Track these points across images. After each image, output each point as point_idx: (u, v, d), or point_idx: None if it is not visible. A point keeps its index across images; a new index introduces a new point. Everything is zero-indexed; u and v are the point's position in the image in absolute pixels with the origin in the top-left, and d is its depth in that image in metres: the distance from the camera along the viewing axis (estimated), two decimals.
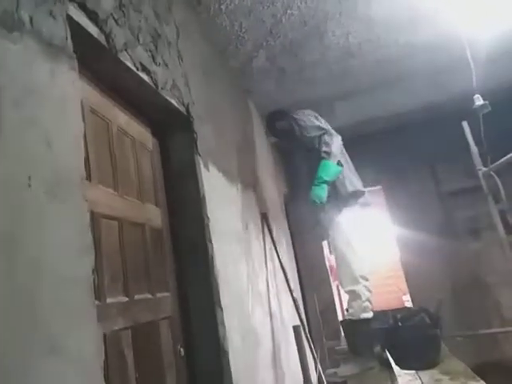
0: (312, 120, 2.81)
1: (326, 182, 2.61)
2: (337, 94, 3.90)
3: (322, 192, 2.59)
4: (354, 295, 2.67)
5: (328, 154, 2.62)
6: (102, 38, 1.31)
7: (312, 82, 3.58)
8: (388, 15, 2.83)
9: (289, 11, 2.54)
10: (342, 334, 2.88)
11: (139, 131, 1.79)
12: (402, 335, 2.20)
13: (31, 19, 1.00)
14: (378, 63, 3.47)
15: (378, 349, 2.35)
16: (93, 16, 1.27)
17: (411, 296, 4.68)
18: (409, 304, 4.74)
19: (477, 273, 4.36)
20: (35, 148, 0.92)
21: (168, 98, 1.75)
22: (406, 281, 4.73)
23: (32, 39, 0.99)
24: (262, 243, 2.94)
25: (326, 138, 2.67)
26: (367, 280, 2.69)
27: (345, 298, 3.19)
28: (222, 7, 2.37)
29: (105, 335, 1.21)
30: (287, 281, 2.95)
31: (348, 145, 4.67)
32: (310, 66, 3.31)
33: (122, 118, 1.64)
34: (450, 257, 4.43)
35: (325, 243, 4.65)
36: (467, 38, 3.02)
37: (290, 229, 4.39)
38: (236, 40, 2.71)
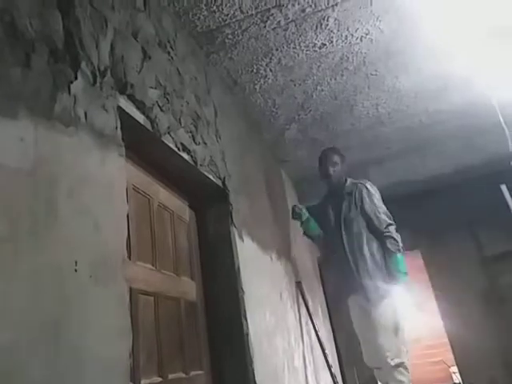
0: (380, 200, 2.70)
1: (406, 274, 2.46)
2: (369, 159, 3.94)
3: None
4: (402, 367, 2.42)
5: (400, 249, 2.48)
6: (147, 124, 1.41)
7: (344, 149, 3.63)
8: (416, 85, 2.92)
9: (319, 87, 2.67)
10: None
11: (178, 204, 1.86)
12: None
13: (86, 114, 1.10)
14: (408, 130, 3.52)
15: None
16: (140, 105, 1.39)
17: (459, 368, 4.31)
18: (457, 377, 4.35)
19: None
20: (83, 233, 0.97)
21: (206, 173, 1.83)
22: (453, 351, 4.38)
23: (85, 132, 1.08)
24: (298, 314, 2.85)
25: (394, 229, 2.53)
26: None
27: None
28: (257, 87, 2.53)
29: None
30: (325, 355, 2.81)
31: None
32: (342, 135, 3.39)
33: (162, 194, 1.72)
34: (498, 326, 4.12)
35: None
36: (498, 102, 3.04)
37: (325, 295, 4.25)
38: (269, 115, 2.85)
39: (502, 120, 3.00)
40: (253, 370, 1.76)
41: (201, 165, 1.77)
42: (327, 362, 2.72)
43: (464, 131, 3.68)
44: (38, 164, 0.89)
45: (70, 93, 1.04)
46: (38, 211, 0.86)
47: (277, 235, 2.90)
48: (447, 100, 3.18)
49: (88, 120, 1.10)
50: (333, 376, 2.70)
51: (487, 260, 4.50)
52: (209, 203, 2.05)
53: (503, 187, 3.31)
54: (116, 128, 1.22)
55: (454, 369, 4.44)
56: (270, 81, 2.50)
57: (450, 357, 4.49)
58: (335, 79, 2.62)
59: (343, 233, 2.54)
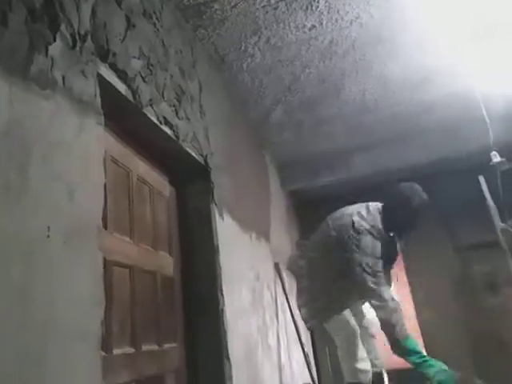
0: None
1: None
2: (354, 146, 3.96)
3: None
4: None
5: None
6: (129, 95, 1.39)
7: (329, 134, 3.66)
8: (403, 74, 2.92)
9: (307, 70, 2.65)
10: None
11: (158, 180, 1.84)
12: None
13: (63, 78, 1.07)
14: (393, 118, 3.54)
15: None
16: (122, 75, 1.36)
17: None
18: None
19: (494, 329, 4.16)
20: (57, 199, 0.96)
21: (188, 149, 1.82)
22: (422, 337, 4.53)
23: (63, 96, 1.05)
24: (274, 294, 2.89)
25: None
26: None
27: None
28: (244, 65, 2.49)
29: None
30: (298, 334, 2.87)
31: (363, 196, 4.70)
32: (327, 120, 3.39)
33: (142, 168, 1.70)
34: (467, 313, 4.27)
35: None
36: (482, 95, 3.08)
37: None
38: (256, 95, 2.82)
39: (484, 113, 3.04)
40: (226, 345, 1.79)
41: (183, 140, 1.76)
42: (300, 341, 2.78)
43: (447, 122, 3.72)
44: (11, 125, 0.87)
45: (47, 55, 1.01)
46: (9, 173, 0.84)
47: (257, 216, 2.91)
48: (432, 90, 3.20)
49: (66, 84, 1.08)
50: (305, 354, 2.76)
51: (461, 249, 4.63)
52: (190, 180, 2.04)
53: (481, 178, 3.38)
54: (95, 95, 1.19)
55: None
56: (257, 60, 2.47)
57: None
58: (324, 62, 2.61)
59: None
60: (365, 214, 2.16)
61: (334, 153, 4.00)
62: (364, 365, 2.12)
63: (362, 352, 2.14)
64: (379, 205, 2.26)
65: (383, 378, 2.33)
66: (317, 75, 2.73)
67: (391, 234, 2.19)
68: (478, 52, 2.75)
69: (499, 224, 3.26)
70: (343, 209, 2.30)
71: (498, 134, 3.08)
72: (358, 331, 2.16)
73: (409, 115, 3.54)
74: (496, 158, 3.09)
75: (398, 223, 2.16)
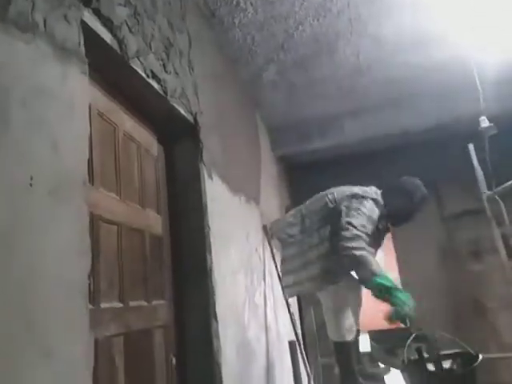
0: None
1: None
2: (346, 110, 3.92)
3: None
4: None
5: None
6: (114, 45, 1.32)
7: (321, 97, 3.60)
8: (398, 36, 2.86)
9: (301, 27, 2.57)
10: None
11: (145, 137, 1.80)
12: None
13: (45, 22, 1.01)
14: (386, 82, 3.49)
15: None
16: (107, 23, 1.29)
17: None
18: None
19: (477, 296, 4.31)
20: (40, 149, 0.93)
21: (176, 105, 1.77)
22: None
23: (44, 41, 1.00)
24: (262, 256, 2.93)
25: None
26: None
27: None
28: (236, 21, 2.40)
29: (96, 341, 1.20)
30: (285, 295, 2.93)
31: (353, 161, 4.71)
32: (320, 81, 3.33)
33: (128, 123, 1.65)
34: (450, 279, 4.40)
35: None
36: (475, 61, 3.04)
37: None
38: (247, 53, 2.74)
39: (476, 78, 3.01)
40: (214, 304, 1.82)
41: (171, 96, 1.70)
42: (286, 301, 2.84)
43: (439, 88, 3.68)
44: None
45: None
46: None
47: (247, 179, 2.90)
48: (427, 55, 3.15)
49: (47, 29, 1.02)
50: (290, 314, 2.83)
51: (448, 217, 4.71)
52: (178, 139, 1.99)
53: (470, 146, 3.39)
54: (79, 43, 1.13)
55: None
56: (249, 15, 2.37)
57: None
58: (318, 20, 2.52)
59: None
60: (368, 189, 2.23)
61: (325, 117, 3.95)
62: (349, 323, 2.18)
63: (348, 313, 2.20)
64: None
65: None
66: (310, 34, 2.65)
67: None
68: (473, 18, 2.70)
69: (485, 192, 3.30)
70: (346, 186, 2.33)
71: (488, 102, 3.07)
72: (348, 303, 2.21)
73: (402, 80, 3.49)
74: (485, 123, 3.09)
75: (396, 214, 2.19)
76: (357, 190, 2.21)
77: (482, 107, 3.03)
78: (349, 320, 2.18)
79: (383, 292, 1.86)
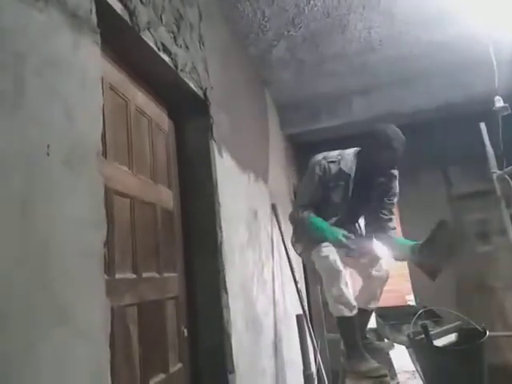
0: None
1: None
2: (355, 88, 3.86)
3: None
4: None
5: None
6: (125, 15, 1.31)
7: (331, 74, 3.55)
8: (411, 12, 2.79)
9: (312, 1, 2.51)
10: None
11: (156, 112, 1.80)
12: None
13: None
14: (398, 59, 3.43)
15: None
16: None
17: (415, 296, 4.67)
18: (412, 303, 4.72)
19: (483, 276, 4.32)
20: (55, 118, 0.93)
21: (187, 80, 1.75)
22: (411, 280, 4.71)
23: (56, 9, 0.99)
24: (271, 233, 2.95)
25: None
26: None
27: None
28: None
29: (112, 309, 1.23)
30: (292, 271, 2.96)
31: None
32: (330, 58, 3.28)
33: (140, 98, 1.65)
34: (457, 260, 4.40)
35: None
36: (492, 39, 2.97)
37: None
38: (257, 28, 2.69)
39: (492, 55, 2.94)
40: (224, 276, 1.85)
41: (181, 70, 1.69)
42: (294, 277, 2.88)
43: (452, 66, 3.61)
44: (3, 34, 0.82)
45: None
46: (5, 83, 0.80)
47: (256, 156, 2.90)
48: (440, 31, 3.08)
49: None
50: (298, 291, 2.87)
51: (456, 197, 4.68)
52: (189, 114, 1.99)
53: (482, 125, 3.34)
54: (91, 11, 1.12)
55: (409, 297, 4.80)
56: None
57: (407, 286, 4.79)
58: None
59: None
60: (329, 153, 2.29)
61: (335, 95, 3.91)
62: (339, 296, 2.10)
63: (343, 287, 2.12)
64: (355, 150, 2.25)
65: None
66: (322, 8, 2.59)
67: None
68: None
69: (496, 171, 3.27)
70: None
71: (503, 80, 3.01)
72: (342, 271, 2.14)
73: (414, 57, 3.42)
74: (499, 102, 3.04)
75: (377, 162, 2.10)
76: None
77: (496, 85, 2.97)
78: (339, 293, 2.13)
79: (318, 231, 2.06)
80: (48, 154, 0.89)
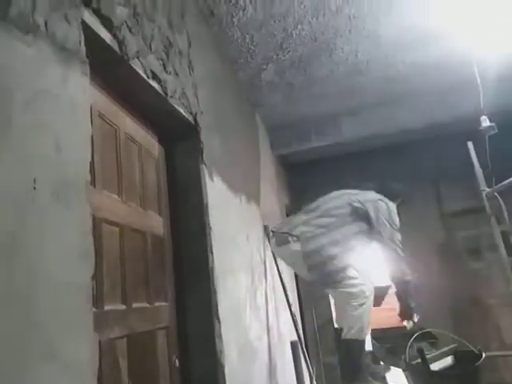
0: None
1: None
2: (343, 109, 3.92)
3: None
4: None
5: None
6: (114, 45, 1.31)
7: (320, 97, 3.60)
8: (396, 34, 2.86)
9: (299, 26, 2.56)
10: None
11: (146, 138, 1.79)
12: None
13: (46, 23, 1.00)
14: (385, 81, 3.49)
15: None
16: (107, 23, 1.28)
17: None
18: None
19: (477, 294, 4.31)
20: (43, 151, 0.92)
21: (176, 106, 1.76)
22: None
23: (46, 42, 0.99)
24: (263, 256, 2.92)
25: None
26: None
27: None
28: (234, 20, 2.39)
29: (100, 343, 1.19)
30: (286, 295, 2.92)
31: (352, 160, 4.71)
32: (319, 81, 3.33)
33: (130, 125, 1.64)
34: (450, 277, 4.40)
35: None
36: (476, 58, 3.04)
37: None
38: (246, 53, 2.73)
39: (477, 75, 3.01)
40: (216, 304, 1.81)
41: (171, 96, 1.70)
42: (288, 301, 2.84)
43: (438, 86, 3.68)
44: None
45: None
46: None
47: (247, 178, 2.90)
48: (425, 52, 3.15)
49: (49, 30, 1.01)
50: (292, 314, 2.83)
51: (447, 215, 4.72)
52: (179, 139, 1.99)
53: (470, 144, 3.40)
54: (80, 43, 1.12)
55: None
56: (248, 14, 2.36)
57: None
58: (317, 19, 2.52)
59: None
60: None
61: (324, 116, 3.96)
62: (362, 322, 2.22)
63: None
64: None
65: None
66: (309, 33, 2.64)
67: None
68: (473, 14, 2.69)
69: (485, 189, 3.31)
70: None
71: (489, 99, 3.07)
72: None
73: (400, 78, 3.49)
74: (486, 122, 3.10)
75: None
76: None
77: (482, 105, 3.03)
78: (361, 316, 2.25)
79: None
80: (35, 188, 0.87)
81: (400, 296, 2.39)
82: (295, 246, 2.37)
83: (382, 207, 2.36)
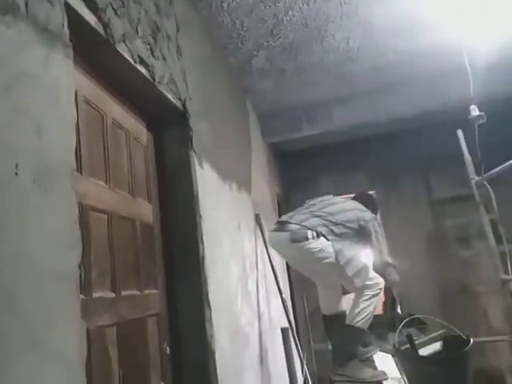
0: None
1: None
2: (334, 97, 3.90)
3: None
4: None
5: None
6: (99, 28, 1.28)
7: (311, 83, 3.58)
8: (387, 21, 2.83)
9: (290, 12, 2.53)
10: None
11: (134, 125, 1.77)
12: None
13: (26, 3, 0.97)
14: (376, 69, 3.48)
15: None
16: (91, 5, 1.25)
17: (398, 300, 4.69)
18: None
19: (465, 281, 4.38)
20: (25, 135, 0.90)
21: (165, 92, 1.73)
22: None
23: (26, 23, 0.96)
24: (254, 244, 2.93)
25: None
26: None
27: None
28: (224, 4, 2.35)
29: (88, 331, 1.18)
30: (277, 282, 2.94)
31: (343, 149, 4.71)
32: (309, 68, 3.30)
33: (117, 111, 1.61)
34: (438, 264, 4.46)
35: None
36: (466, 47, 3.04)
37: None
38: (237, 38, 2.69)
39: (467, 64, 3.01)
40: (207, 291, 1.81)
41: (159, 82, 1.67)
42: (279, 288, 2.85)
43: (429, 75, 3.68)
44: None
45: None
46: None
47: (238, 166, 2.88)
48: (416, 41, 3.13)
49: (29, 10, 0.97)
50: (283, 301, 2.85)
51: (436, 203, 4.76)
52: (168, 126, 1.96)
53: (459, 132, 3.41)
54: (63, 25, 1.09)
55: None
56: None
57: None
58: (308, 5, 2.48)
59: None
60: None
61: (315, 104, 3.94)
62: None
63: None
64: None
65: None
66: (300, 19, 2.61)
67: None
68: (463, 3, 2.68)
69: (474, 178, 3.33)
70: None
71: (478, 88, 3.07)
72: None
73: (391, 66, 3.48)
74: (475, 111, 3.11)
75: None
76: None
77: (471, 94, 3.04)
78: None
79: None
80: (16, 174, 0.85)
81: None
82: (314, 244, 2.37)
83: (376, 226, 2.62)
